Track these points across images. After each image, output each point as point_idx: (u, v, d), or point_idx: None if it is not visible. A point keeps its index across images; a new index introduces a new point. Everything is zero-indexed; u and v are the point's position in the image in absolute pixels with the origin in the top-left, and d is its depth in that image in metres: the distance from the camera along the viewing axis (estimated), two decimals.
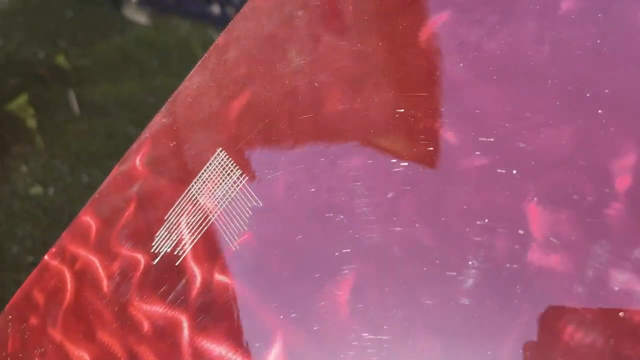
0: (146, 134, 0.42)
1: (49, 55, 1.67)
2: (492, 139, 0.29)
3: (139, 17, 1.86)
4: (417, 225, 0.29)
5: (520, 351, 0.25)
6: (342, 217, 0.32)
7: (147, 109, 1.49)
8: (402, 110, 0.32)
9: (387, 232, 0.30)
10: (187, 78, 0.41)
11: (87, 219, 0.43)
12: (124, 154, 0.44)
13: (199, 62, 0.41)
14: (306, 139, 0.35)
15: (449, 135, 0.30)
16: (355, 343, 0.29)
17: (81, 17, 1.86)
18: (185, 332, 0.35)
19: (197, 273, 0.36)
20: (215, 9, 1.79)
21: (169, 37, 1.77)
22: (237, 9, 1.73)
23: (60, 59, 1.66)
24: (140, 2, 1.88)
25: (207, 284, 0.35)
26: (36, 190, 1.31)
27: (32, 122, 1.46)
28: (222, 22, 1.76)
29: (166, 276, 0.37)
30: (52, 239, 1.15)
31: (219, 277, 0.35)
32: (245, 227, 0.35)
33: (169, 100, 0.42)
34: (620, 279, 0.24)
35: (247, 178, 0.36)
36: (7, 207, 1.26)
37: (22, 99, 1.51)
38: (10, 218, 1.24)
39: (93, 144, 1.40)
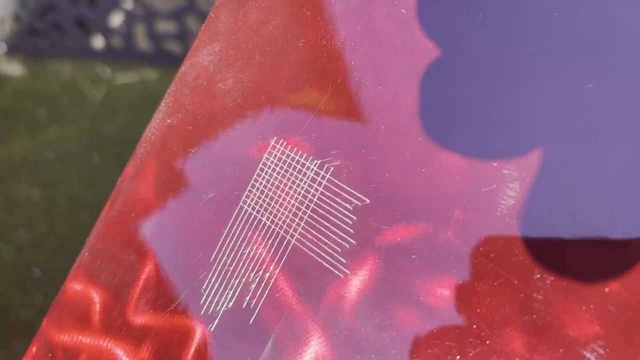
0: (145, 147, 0.28)
1: None
2: None
3: (10, 68, 1.65)
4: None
5: None
6: (516, 180, 0.21)
7: (46, 165, 1.31)
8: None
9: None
10: (188, 54, 0.28)
11: (80, 288, 0.29)
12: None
13: (201, 29, 0.28)
14: (411, 90, 0.23)
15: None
16: None
17: None
18: None
19: (289, 329, 0.23)
20: (98, 42, 1.61)
21: (52, 82, 1.58)
22: (124, 37, 1.57)
23: None
24: (9, 50, 1.67)
25: (315, 346, 0.23)
26: None
27: None
28: (108, 55, 1.59)
29: (237, 343, 0.24)
30: None
31: (330, 328, 0.23)
32: (352, 241, 0.23)
33: (168, 91, 0.28)
34: None
35: (331, 169, 0.24)
36: None
37: None
38: None
39: None
